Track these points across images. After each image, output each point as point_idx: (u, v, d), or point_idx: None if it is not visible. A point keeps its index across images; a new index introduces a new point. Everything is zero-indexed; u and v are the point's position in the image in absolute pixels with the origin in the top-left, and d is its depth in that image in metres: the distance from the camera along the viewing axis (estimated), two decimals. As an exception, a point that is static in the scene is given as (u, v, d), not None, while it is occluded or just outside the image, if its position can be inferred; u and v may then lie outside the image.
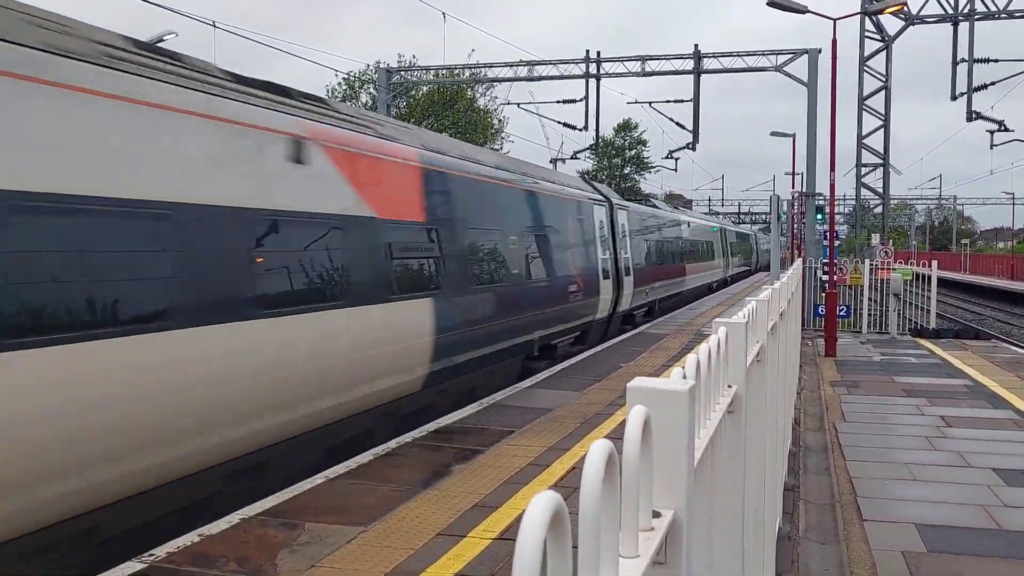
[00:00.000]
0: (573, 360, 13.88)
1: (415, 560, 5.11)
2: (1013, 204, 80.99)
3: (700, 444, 1.71)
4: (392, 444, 8.01)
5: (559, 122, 32.80)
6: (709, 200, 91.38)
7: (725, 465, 2.40)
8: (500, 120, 47.28)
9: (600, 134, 34.03)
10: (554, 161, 41.25)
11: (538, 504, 0.76)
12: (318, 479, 6.83)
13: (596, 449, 0.95)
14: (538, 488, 6.53)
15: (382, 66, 36.25)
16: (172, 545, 5.34)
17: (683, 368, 1.60)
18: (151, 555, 5.17)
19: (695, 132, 30.78)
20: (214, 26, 19.02)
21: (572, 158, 38.59)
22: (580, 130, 31.63)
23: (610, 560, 1.01)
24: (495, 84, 37.16)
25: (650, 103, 32.86)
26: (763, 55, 28.10)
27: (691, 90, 29.74)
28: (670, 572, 1.30)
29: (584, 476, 0.92)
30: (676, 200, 64.76)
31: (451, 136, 20.47)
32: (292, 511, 6.04)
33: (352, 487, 6.66)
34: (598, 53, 30.31)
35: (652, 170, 67.82)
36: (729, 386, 2.45)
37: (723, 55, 29.04)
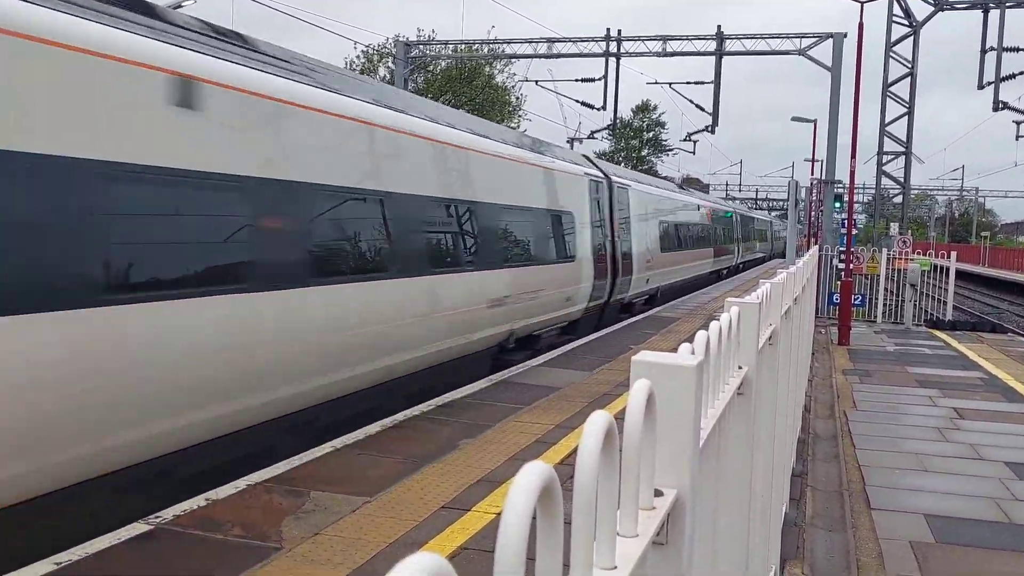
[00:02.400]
0: (583, 341, 13.83)
1: (419, 532, 5.10)
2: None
3: (707, 423, 1.67)
4: (400, 416, 8.00)
5: (577, 101, 32.53)
6: (726, 185, 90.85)
7: (733, 447, 2.36)
8: (518, 98, 47.05)
9: (618, 115, 33.77)
10: (571, 141, 41.01)
11: (527, 474, 0.71)
12: (325, 448, 6.83)
13: (594, 420, 0.90)
14: (544, 466, 6.52)
15: (401, 39, 36.05)
16: (179, 508, 5.36)
17: (692, 344, 1.55)
18: (158, 517, 5.19)
19: (715, 115, 30.52)
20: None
21: (589, 138, 38.35)
22: (599, 109, 31.39)
23: (607, 538, 0.97)
24: (513, 61, 36.89)
25: (670, 84, 32.58)
26: (787, 38, 27.77)
27: (713, 73, 29.45)
28: (671, 553, 1.26)
29: (581, 448, 0.88)
30: (693, 184, 64.22)
31: (468, 113, 20.12)
32: (298, 479, 6.04)
33: (358, 458, 6.66)
34: (619, 32, 30.03)
35: (670, 152, 67.41)
36: (740, 367, 2.40)
37: (746, 37, 28.72)
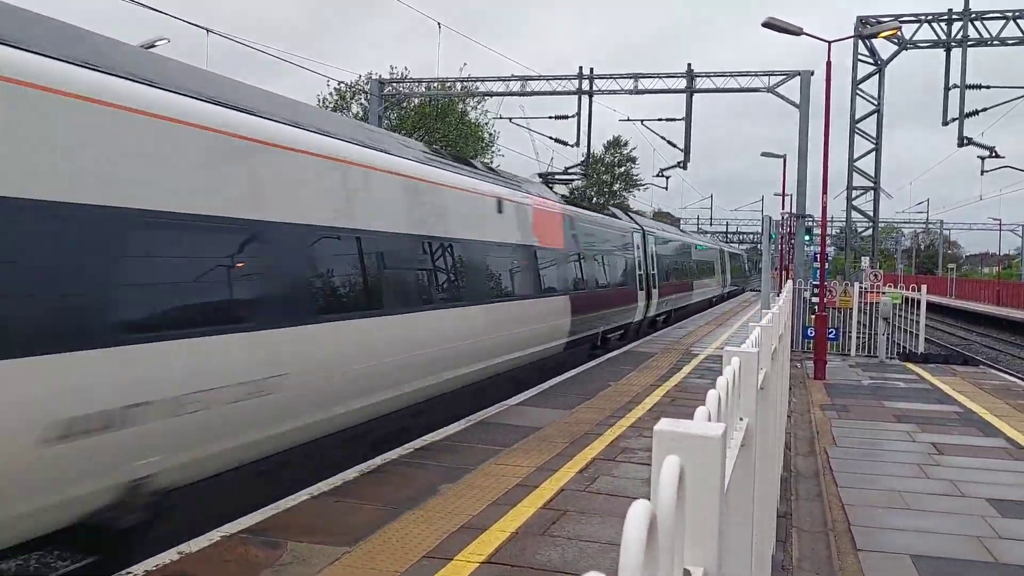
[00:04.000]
0: (562, 377, 13.75)
1: (400, 584, 4.95)
2: (1000, 230, 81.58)
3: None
4: (378, 461, 7.85)
5: (551, 137, 32.67)
6: (698, 219, 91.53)
7: (737, 502, 2.28)
8: (491, 134, 47.17)
9: (591, 151, 33.95)
10: (542, 176, 41.04)
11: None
12: (302, 496, 6.67)
13: (635, 516, 0.82)
14: (527, 510, 6.39)
15: (374, 77, 36.12)
16: (150, 563, 5.17)
17: (706, 407, 1.48)
18: (129, 573, 5.00)
19: (686, 151, 30.81)
20: (207, 32, 18.85)
21: (562, 174, 38.44)
22: (572, 146, 31.60)
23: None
24: (487, 98, 37.06)
25: (642, 121, 32.88)
26: (756, 76, 28.18)
27: (684, 109, 29.78)
28: (700, 639, 1.18)
29: (624, 548, 0.80)
30: (664, 219, 64.62)
31: (441, 149, 20.13)
32: (274, 529, 5.87)
33: (336, 505, 6.50)
34: (591, 70, 30.32)
35: (642, 187, 67.97)
36: (741, 418, 2.33)
37: (716, 75, 29.10)
